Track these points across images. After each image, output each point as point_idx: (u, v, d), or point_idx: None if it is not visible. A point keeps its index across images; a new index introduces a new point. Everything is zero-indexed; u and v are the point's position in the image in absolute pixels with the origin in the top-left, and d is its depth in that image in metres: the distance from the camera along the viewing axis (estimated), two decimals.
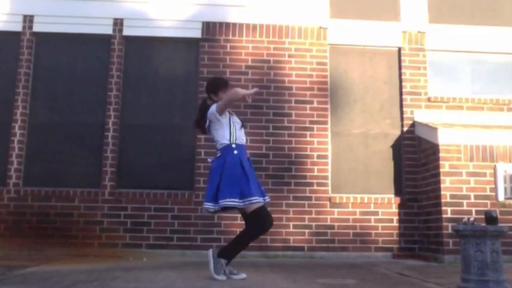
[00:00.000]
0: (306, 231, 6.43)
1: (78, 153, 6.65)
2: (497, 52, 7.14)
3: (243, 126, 4.35)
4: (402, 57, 6.95)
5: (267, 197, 4.35)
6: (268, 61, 6.83)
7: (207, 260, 4.13)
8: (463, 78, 7.13)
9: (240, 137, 4.26)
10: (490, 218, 3.55)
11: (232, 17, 6.91)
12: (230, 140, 4.19)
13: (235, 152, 4.15)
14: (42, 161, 6.60)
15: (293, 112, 6.71)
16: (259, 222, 4.18)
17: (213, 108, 4.18)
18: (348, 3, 7.15)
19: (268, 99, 6.71)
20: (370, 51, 7.05)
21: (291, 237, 6.40)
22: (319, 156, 6.63)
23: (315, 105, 6.74)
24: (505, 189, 5.99)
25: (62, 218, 6.32)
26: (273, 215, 6.31)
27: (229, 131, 4.20)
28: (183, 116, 6.73)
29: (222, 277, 4.01)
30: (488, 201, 5.98)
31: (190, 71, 6.86)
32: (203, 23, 6.87)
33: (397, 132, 6.85)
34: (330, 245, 6.41)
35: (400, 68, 6.96)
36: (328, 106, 6.79)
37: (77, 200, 6.38)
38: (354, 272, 4.78)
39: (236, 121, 4.31)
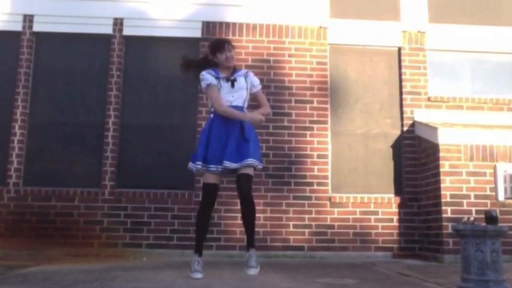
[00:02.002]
0: (306, 230, 6.43)
1: (78, 153, 6.65)
2: (497, 52, 7.14)
3: (232, 85, 4.23)
4: (402, 57, 6.95)
5: (225, 163, 4.03)
6: (268, 61, 6.83)
7: (205, 259, 4.11)
8: (463, 78, 7.13)
9: (226, 99, 4.20)
10: (490, 218, 3.55)
11: (232, 16, 6.91)
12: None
13: (211, 116, 4.24)
14: (42, 161, 6.60)
15: (293, 112, 6.71)
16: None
17: (204, 77, 4.23)
18: (348, 3, 7.15)
19: (268, 99, 6.62)
20: (370, 51, 7.05)
21: (291, 237, 6.40)
22: (319, 156, 6.63)
23: (315, 104, 6.74)
24: (505, 189, 5.99)
25: (62, 218, 6.32)
26: (273, 215, 6.41)
27: None
28: (183, 116, 6.73)
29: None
30: (488, 201, 5.98)
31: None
32: (203, 22, 6.87)
33: (397, 132, 6.85)
34: (330, 245, 6.41)
35: (400, 67, 6.96)
36: (328, 106, 6.79)
37: (77, 200, 6.39)
38: (354, 272, 4.78)
39: (224, 84, 4.24)
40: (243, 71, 4.50)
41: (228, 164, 4.04)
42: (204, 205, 4.21)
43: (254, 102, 4.60)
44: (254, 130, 4.29)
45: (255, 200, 4.33)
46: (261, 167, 4.27)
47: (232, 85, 4.24)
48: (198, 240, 4.26)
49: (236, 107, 4.23)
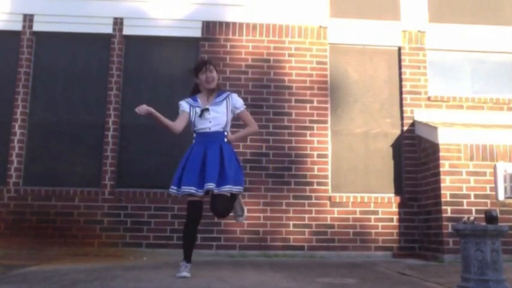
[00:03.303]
0: (306, 230, 6.43)
1: (78, 152, 6.65)
2: (497, 52, 7.14)
3: (201, 115, 4.26)
4: (402, 57, 6.95)
5: (206, 186, 4.03)
6: (268, 60, 6.83)
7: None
8: (463, 78, 7.13)
9: (205, 125, 4.25)
10: (490, 218, 3.55)
11: (232, 16, 6.91)
12: (192, 128, 4.36)
13: (193, 141, 4.33)
14: (42, 160, 6.60)
15: (293, 111, 6.71)
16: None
17: (180, 105, 4.42)
18: (348, 2, 7.15)
19: (268, 99, 6.71)
20: (370, 51, 7.05)
21: (291, 237, 6.40)
22: (319, 156, 6.63)
23: (315, 104, 6.74)
24: (505, 188, 5.99)
25: (62, 218, 6.32)
26: (273, 214, 6.40)
27: (190, 120, 4.32)
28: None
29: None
30: (488, 201, 5.97)
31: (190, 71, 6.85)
32: (203, 22, 6.87)
33: (397, 132, 6.85)
34: (330, 244, 6.41)
35: (400, 67, 6.96)
36: (328, 105, 6.79)
37: (76, 200, 6.39)
38: (354, 271, 4.78)
39: (199, 111, 4.28)
40: (225, 93, 4.41)
41: (211, 186, 4.04)
42: (189, 222, 4.20)
43: (241, 122, 4.58)
44: (233, 153, 4.29)
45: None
46: (241, 190, 4.23)
47: (201, 115, 4.25)
48: (186, 250, 4.22)
49: (215, 133, 4.24)
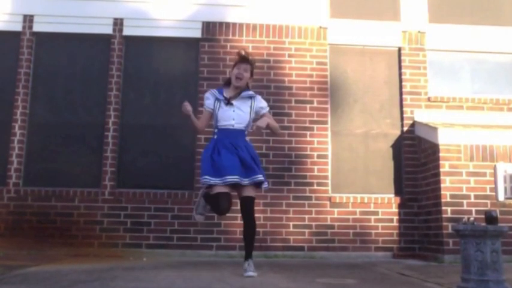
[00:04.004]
0: (306, 231, 6.43)
1: (78, 153, 6.65)
2: (497, 52, 7.14)
3: (229, 103, 4.31)
4: (402, 57, 6.95)
5: (228, 178, 4.10)
6: (268, 61, 6.83)
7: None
8: (463, 78, 7.13)
9: (228, 122, 4.28)
10: (490, 218, 3.55)
11: (232, 16, 6.91)
12: (214, 123, 4.41)
13: (215, 136, 4.33)
14: (42, 161, 6.60)
15: (293, 112, 6.71)
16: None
17: (204, 98, 4.49)
18: (348, 3, 7.15)
19: (268, 99, 6.64)
20: (370, 51, 7.05)
21: (291, 237, 6.40)
22: (319, 156, 6.63)
23: (315, 105, 6.74)
24: (505, 189, 5.99)
25: (62, 218, 6.32)
26: (273, 215, 6.40)
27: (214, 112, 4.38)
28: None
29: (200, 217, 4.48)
30: (488, 201, 5.97)
31: (190, 71, 6.86)
32: (203, 22, 6.87)
33: (397, 132, 6.85)
34: (330, 245, 6.41)
35: (400, 67, 6.96)
36: (328, 106, 6.79)
37: (77, 200, 6.38)
38: (354, 272, 4.78)
39: (223, 105, 4.32)
40: (250, 93, 4.43)
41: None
42: (218, 208, 4.24)
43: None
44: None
45: (255, 200, 4.38)
46: (266, 187, 4.39)
47: (230, 104, 4.31)
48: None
49: (238, 131, 4.29)
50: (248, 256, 4.33)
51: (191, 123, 4.46)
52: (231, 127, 4.28)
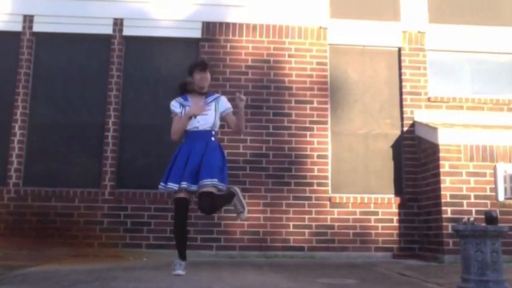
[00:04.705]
0: (306, 231, 6.43)
1: (78, 153, 6.65)
2: (497, 52, 7.14)
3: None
4: (402, 57, 6.95)
5: (183, 184, 4.18)
6: (268, 61, 6.83)
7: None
8: (463, 78, 7.13)
9: (193, 125, 4.37)
10: (490, 218, 3.55)
11: (232, 17, 6.91)
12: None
13: (183, 140, 4.44)
14: (42, 161, 6.60)
15: (293, 112, 6.70)
16: None
17: (171, 106, 4.52)
18: (348, 3, 7.15)
19: (268, 99, 6.71)
20: (370, 51, 7.05)
21: (291, 237, 6.40)
22: (319, 156, 6.63)
23: (315, 105, 6.74)
24: (505, 189, 5.99)
25: (62, 218, 6.32)
26: (273, 215, 6.40)
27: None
28: None
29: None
30: (488, 201, 5.98)
31: None
32: (203, 23, 6.87)
33: (397, 132, 6.85)
34: (330, 245, 6.41)
35: (400, 68, 6.96)
36: (328, 106, 6.79)
37: (77, 200, 6.38)
38: (354, 272, 4.78)
39: (187, 107, 4.42)
40: (215, 95, 4.58)
41: (187, 186, 4.19)
42: (177, 218, 4.31)
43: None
44: (220, 149, 4.40)
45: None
46: (220, 186, 4.26)
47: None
48: (179, 247, 4.33)
49: (204, 132, 4.37)
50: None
51: (180, 124, 4.41)
52: (196, 129, 4.37)
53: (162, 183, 4.30)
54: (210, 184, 4.14)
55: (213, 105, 4.45)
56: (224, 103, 4.50)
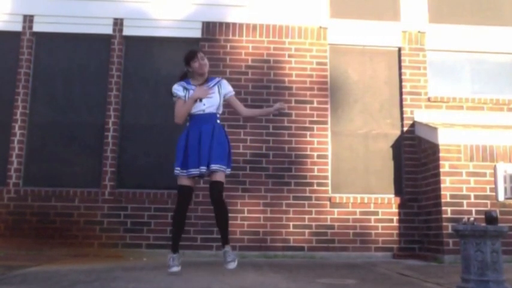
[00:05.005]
0: (306, 231, 6.43)
1: (78, 153, 6.65)
2: (497, 52, 7.15)
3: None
4: (402, 57, 6.95)
5: (202, 169, 4.22)
6: (268, 61, 6.83)
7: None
8: (463, 78, 7.13)
9: (199, 108, 4.38)
10: (490, 218, 3.55)
11: (232, 16, 6.91)
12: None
13: (187, 124, 4.46)
14: (42, 161, 6.60)
15: (293, 112, 6.70)
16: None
17: (174, 90, 4.46)
18: (348, 3, 7.15)
19: (268, 99, 6.70)
20: (370, 51, 7.05)
21: (291, 237, 6.40)
22: (319, 156, 6.63)
23: (315, 105, 6.74)
24: (505, 189, 5.99)
25: (62, 218, 6.32)
26: (273, 215, 6.41)
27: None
28: None
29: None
30: (488, 201, 5.97)
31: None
32: (203, 22, 6.87)
33: (397, 132, 6.85)
34: (330, 245, 6.41)
35: (400, 68, 6.96)
36: (328, 106, 6.79)
37: (77, 200, 6.38)
38: (354, 272, 4.78)
39: (191, 90, 4.43)
40: (216, 78, 4.62)
41: (205, 171, 4.25)
42: (179, 206, 4.35)
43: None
44: (224, 133, 4.44)
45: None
46: (227, 172, 4.37)
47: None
48: (174, 239, 4.42)
49: (209, 114, 4.40)
50: (225, 242, 4.43)
51: (186, 107, 4.40)
52: (202, 112, 4.39)
53: (178, 168, 4.26)
54: (219, 169, 4.23)
55: (216, 88, 4.49)
56: (226, 86, 4.56)
